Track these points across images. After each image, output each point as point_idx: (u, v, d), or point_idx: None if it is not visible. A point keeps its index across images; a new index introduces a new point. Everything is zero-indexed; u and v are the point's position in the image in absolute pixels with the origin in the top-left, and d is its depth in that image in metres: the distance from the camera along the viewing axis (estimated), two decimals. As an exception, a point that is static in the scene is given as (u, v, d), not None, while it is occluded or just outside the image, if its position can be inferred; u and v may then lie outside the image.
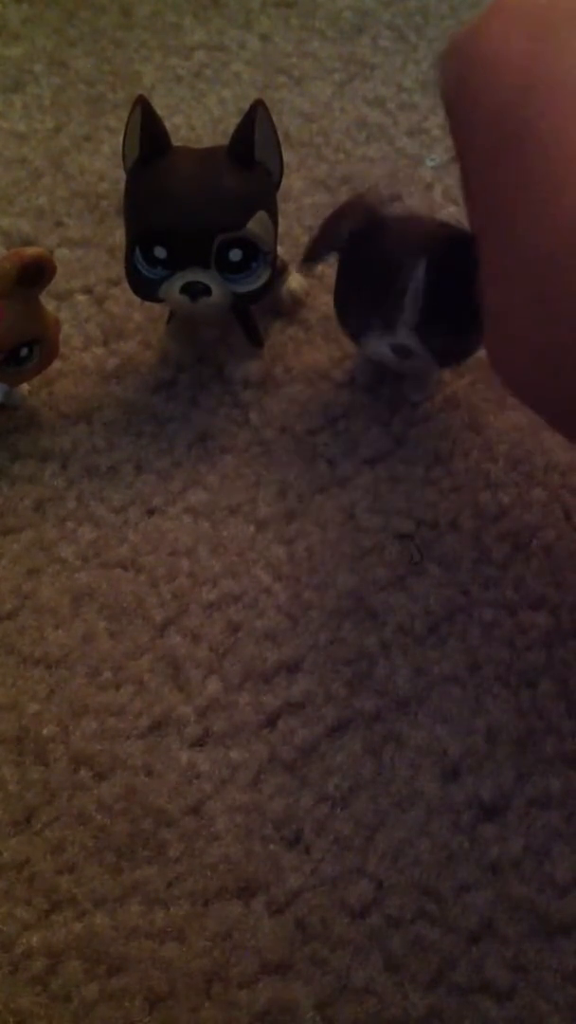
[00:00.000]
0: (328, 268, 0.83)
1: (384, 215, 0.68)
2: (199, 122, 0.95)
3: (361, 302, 0.69)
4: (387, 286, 0.66)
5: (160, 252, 0.68)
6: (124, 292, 0.82)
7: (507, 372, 0.54)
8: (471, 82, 0.51)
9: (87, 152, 0.92)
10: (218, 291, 0.69)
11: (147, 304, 0.75)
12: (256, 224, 0.68)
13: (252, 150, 0.68)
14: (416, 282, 0.65)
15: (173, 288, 0.69)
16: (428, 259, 0.64)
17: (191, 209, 0.67)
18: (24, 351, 0.70)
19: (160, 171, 0.68)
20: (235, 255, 0.68)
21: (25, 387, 0.75)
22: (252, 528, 0.71)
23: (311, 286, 0.82)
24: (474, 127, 0.51)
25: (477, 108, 0.51)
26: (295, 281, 0.81)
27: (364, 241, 0.67)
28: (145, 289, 0.71)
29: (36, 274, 0.68)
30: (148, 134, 0.68)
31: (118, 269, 0.83)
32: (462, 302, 0.58)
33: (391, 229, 0.67)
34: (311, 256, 0.71)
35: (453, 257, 0.62)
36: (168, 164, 0.69)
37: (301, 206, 0.89)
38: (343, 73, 0.99)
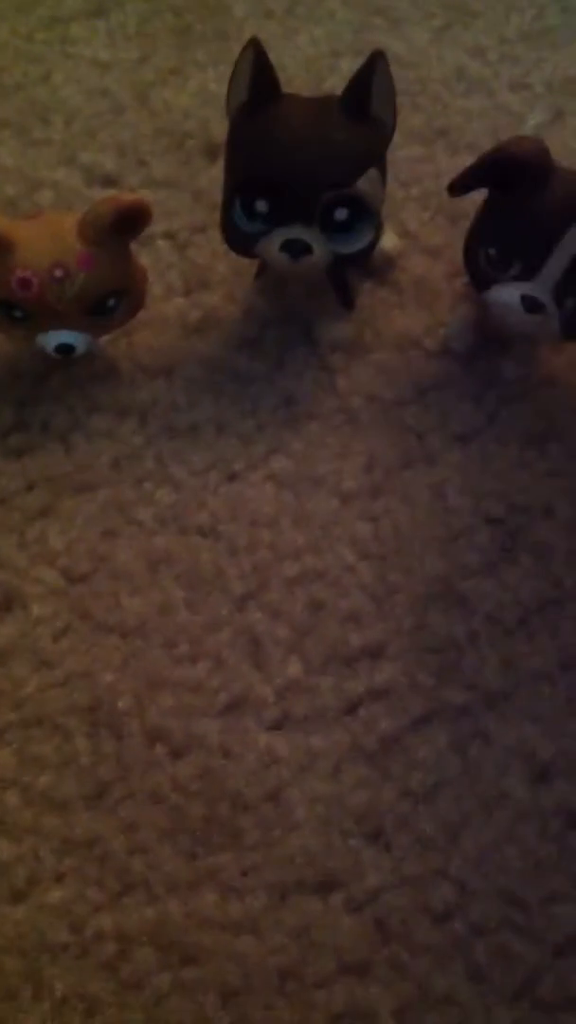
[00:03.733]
0: (423, 228, 0.80)
1: (552, 161, 0.64)
2: (290, 61, 0.90)
3: (504, 243, 0.65)
4: (539, 233, 0.62)
5: (262, 205, 0.65)
6: (209, 240, 0.78)
7: None
8: None
9: (173, 87, 0.88)
10: (320, 251, 0.66)
11: (232, 254, 0.71)
12: (366, 182, 0.64)
13: (368, 103, 0.64)
14: (573, 237, 0.61)
15: (272, 245, 0.66)
16: None
17: (299, 162, 0.63)
18: (111, 301, 0.66)
19: (268, 119, 0.65)
20: (341, 214, 0.65)
21: (104, 336, 0.72)
22: (337, 502, 0.68)
23: (405, 246, 0.79)
24: None
25: None
26: (388, 240, 0.77)
27: (524, 181, 0.63)
28: (241, 243, 0.67)
29: (132, 222, 0.64)
30: (259, 79, 0.64)
31: (203, 215, 0.80)
32: None
33: (558, 177, 0.64)
34: (462, 185, 0.66)
35: None
36: (277, 112, 0.65)
37: (395, 158, 0.83)
38: (442, 18, 0.94)
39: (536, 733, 0.60)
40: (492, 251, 0.65)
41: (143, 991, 0.53)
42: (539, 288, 0.64)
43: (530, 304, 0.65)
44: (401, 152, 0.84)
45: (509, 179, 0.64)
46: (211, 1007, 0.53)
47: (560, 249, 0.62)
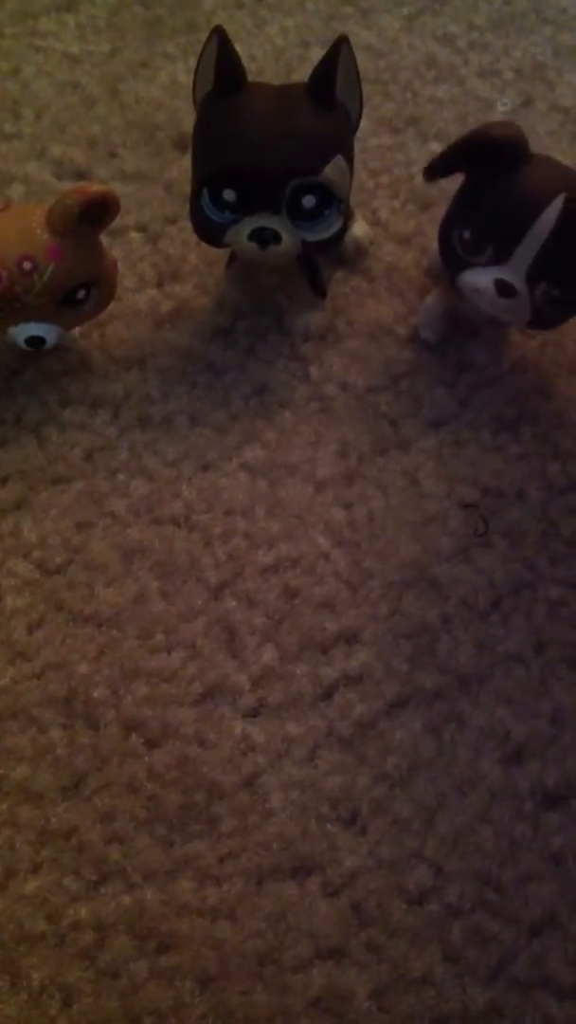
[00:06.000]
0: (393, 216, 0.80)
1: (528, 145, 0.64)
2: (260, 52, 0.90)
3: (478, 227, 0.65)
4: (513, 218, 0.63)
5: (229, 194, 0.65)
6: (180, 231, 0.79)
7: None
8: None
9: (143, 79, 0.88)
10: (288, 239, 0.66)
11: (204, 245, 0.71)
12: (333, 169, 0.64)
13: (333, 90, 0.64)
14: (546, 222, 0.61)
15: (241, 234, 0.66)
16: (565, 204, 0.61)
17: (266, 150, 0.63)
18: (81, 293, 0.66)
19: (234, 108, 0.65)
20: (308, 201, 0.65)
21: (76, 328, 0.72)
22: (311, 489, 0.68)
23: (376, 235, 0.79)
24: None
25: None
26: (360, 228, 0.77)
27: (499, 164, 0.63)
28: (210, 233, 0.67)
29: (100, 212, 0.64)
30: (224, 67, 0.64)
31: (174, 206, 0.80)
32: None
33: (533, 162, 0.64)
34: (437, 169, 0.66)
35: None
36: (243, 101, 0.65)
37: (366, 147, 0.84)
38: (412, 7, 0.94)
39: (509, 715, 0.60)
40: (466, 234, 0.65)
41: (120, 979, 0.53)
42: (511, 272, 0.64)
43: (502, 288, 0.65)
44: (371, 140, 0.85)
45: (484, 162, 0.64)
46: (188, 993, 0.53)
47: (532, 234, 0.62)
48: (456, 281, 0.68)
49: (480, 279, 0.66)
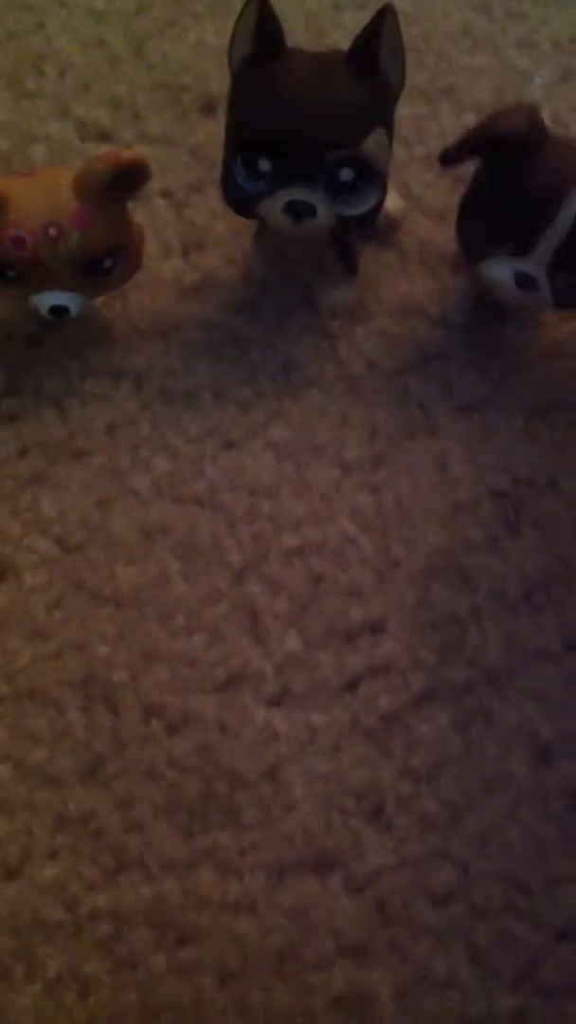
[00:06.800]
0: (427, 189, 0.78)
1: (548, 132, 0.62)
2: (291, 15, 0.87)
3: (496, 219, 0.63)
4: (532, 210, 0.60)
5: (264, 164, 0.62)
6: (207, 199, 0.76)
7: None
8: None
9: (170, 39, 0.85)
10: (324, 213, 0.64)
11: (231, 214, 0.69)
12: (373, 142, 0.62)
13: (377, 60, 0.62)
14: (566, 216, 0.59)
15: (275, 206, 0.64)
16: None
17: (303, 120, 0.61)
18: (108, 262, 0.64)
19: (272, 75, 0.62)
20: (346, 175, 0.63)
21: (98, 298, 0.70)
22: (338, 472, 0.66)
23: (408, 208, 0.76)
24: None
25: None
26: (392, 202, 0.75)
27: (518, 154, 0.61)
28: (242, 204, 0.65)
29: (130, 179, 0.62)
30: (263, 32, 0.61)
31: (200, 172, 0.77)
32: None
33: (553, 150, 0.61)
34: (452, 156, 0.64)
35: None
36: (281, 68, 0.62)
37: (398, 116, 0.81)
38: (448, -29, 0.91)
39: (538, 713, 0.59)
40: (483, 228, 0.63)
41: (138, 971, 0.53)
42: (532, 264, 0.62)
43: (522, 281, 0.63)
44: (405, 110, 0.81)
45: (500, 153, 0.62)
46: (208, 988, 0.52)
47: (554, 226, 0.60)
48: (475, 270, 0.66)
49: (500, 272, 0.64)
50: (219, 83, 0.63)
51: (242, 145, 0.63)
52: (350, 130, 0.62)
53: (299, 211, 0.63)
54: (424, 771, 0.58)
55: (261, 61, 0.63)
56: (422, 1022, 0.52)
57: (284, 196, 0.63)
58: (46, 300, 0.65)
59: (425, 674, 0.60)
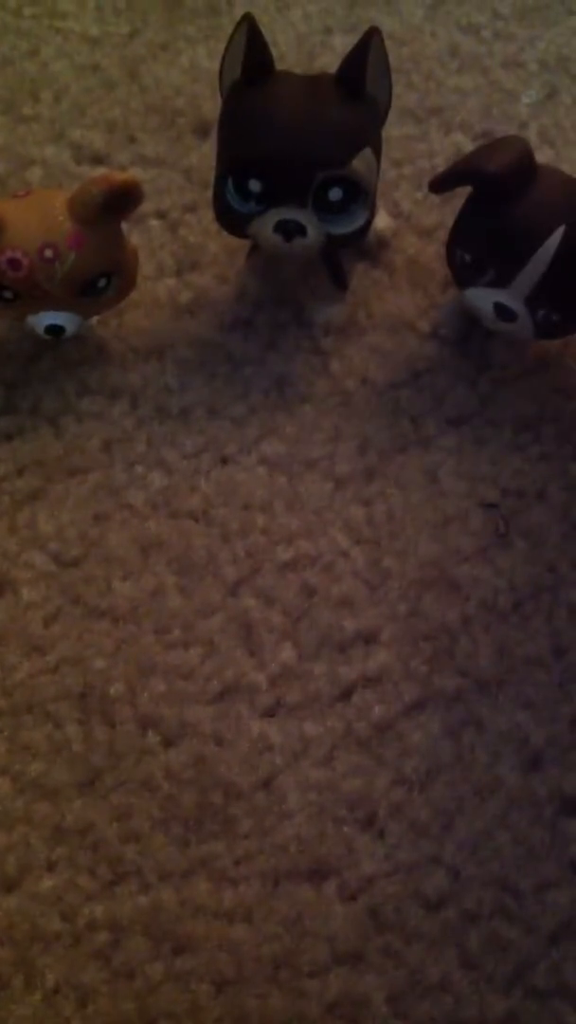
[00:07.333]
0: (416, 207, 0.79)
1: (537, 165, 0.63)
2: (282, 37, 0.88)
3: (481, 246, 0.64)
4: (515, 242, 0.62)
5: (255, 185, 0.64)
6: (200, 219, 0.77)
7: None
8: None
9: (163, 63, 0.86)
10: (313, 232, 0.65)
11: (224, 234, 0.70)
12: (361, 162, 0.63)
13: (363, 81, 0.63)
14: (547, 249, 0.60)
15: (266, 225, 0.65)
16: (567, 229, 0.60)
17: (293, 141, 0.62)
18: (102, 282, 0.65)
19: (262, 97, 0.64)
20: (335, 194, 0.64)
21: (94, 317, 0.71)
22: (330, 485, 0.67)
23: (398, 227, 0.78)
24: None
25: None
26: (382, 220, 0.76)
27: (506, 185, 0.62)
28: (234, 224, 0.66)
29: (123, 201, 0.63)
30: (253, 56, 0.63)
31: (194, 194, 0.79)
32: None
33: (542, 184, 0.63)
34: (442, 184, 0.66)
35: None
36: (271, 90, 0.64)
37: (388, 137, 0.82)
38: (436, -7, 0.92)
39: (528, 719, 0.60)
40: (467, 257, 0.65)
41: (135, 980, 0.53)
42: (512, 296, 0.64)
43: (503, 312, 0.65)
44: (394, 130, 0.83)
45: (488, 182, 0.63)
46: (204, 996, 0.53)
47: (535, 260, 0.62)
48: (462, 294, 0.67)
49: (481, 301, 0.66)
50: (212, 106, 0.64)
51: (233, 166, 0.64)
52: (338, 150, 0.63)
53: (289, 230, 0.65)
54: (416, 778, 0.58)
55: (251, 84, 0.64)
56: (416, 1027, 0.52)
57: (275, 216, 0.64)
58: (42, 320, 0.66)
59: (417, 683, 0.61)
